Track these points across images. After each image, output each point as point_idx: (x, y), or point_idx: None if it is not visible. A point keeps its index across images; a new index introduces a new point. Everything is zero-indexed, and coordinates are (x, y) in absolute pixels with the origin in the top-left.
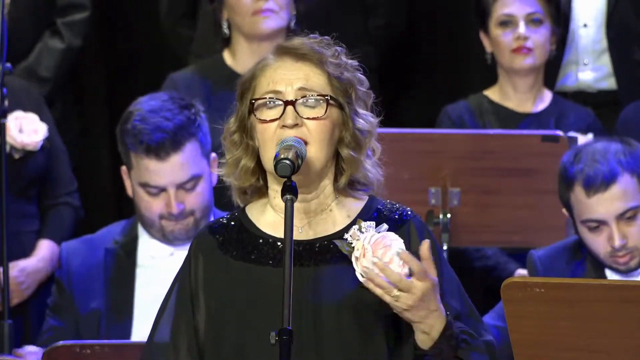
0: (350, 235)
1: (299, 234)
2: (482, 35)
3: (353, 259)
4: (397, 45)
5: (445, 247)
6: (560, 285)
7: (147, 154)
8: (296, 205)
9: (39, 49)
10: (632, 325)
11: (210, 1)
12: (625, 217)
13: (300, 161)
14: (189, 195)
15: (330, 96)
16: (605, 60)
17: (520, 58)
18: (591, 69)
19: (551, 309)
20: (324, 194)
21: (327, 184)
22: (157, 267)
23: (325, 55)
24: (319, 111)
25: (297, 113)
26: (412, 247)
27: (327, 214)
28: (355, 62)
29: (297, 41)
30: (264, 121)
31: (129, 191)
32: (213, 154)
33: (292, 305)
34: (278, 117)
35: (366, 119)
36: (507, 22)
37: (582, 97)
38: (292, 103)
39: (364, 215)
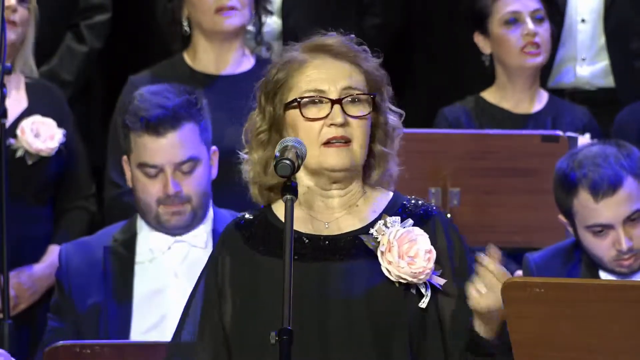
0: (376, 230)
1: (325, 229)
2: (477, 38)
3: (379, 254)
4: (393, 45)
5: None
6: (560, 286)
7: (146, 130)
8: (328, 201)
9: (61, 51)
10: (632, 325)
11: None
12: (632, 219)
13: (300, 161)
14: (186, 179)
15: (375, 95)
16: (604, 57)
17: (530, 57)
18: (589, 64)
19: (551, 309)
20: (353, 190)
21: (357, 180)
22: (156, 261)
23: (361, 54)
24: (364, 109)
25: (344, 111)
26: (437, 243)
27: (354, 209)
28: (378, 60)
29: (332, 39)
30: (310, 119)
31: (129, 182)
32: (214, 147)
33: (318, 300)
34: (324, 115)
35: (395, 115)
36: (513, 20)
37: (580, 94)
38: (340, 101)
39: (390, 210)
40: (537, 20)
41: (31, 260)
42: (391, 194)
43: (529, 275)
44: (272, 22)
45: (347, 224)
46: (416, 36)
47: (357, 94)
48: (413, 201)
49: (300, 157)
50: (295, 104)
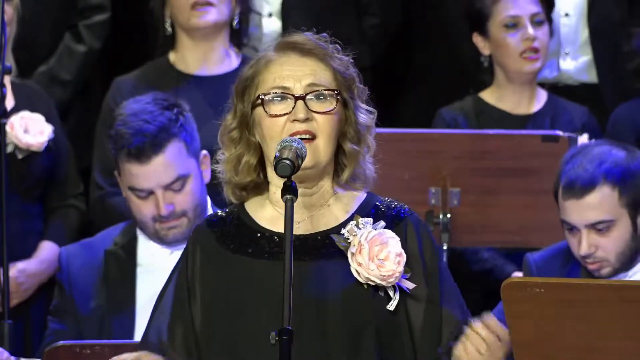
0: (348, 231)
1: (296, 228)
2: (476, 39)
3: (349, 255)
4: (391, 45)
5: (445, 247)
6: (560, 285)
7: (128, 159)
8: (298, 200)
9: (59, 51)
10: (632, 325)
11: None
12: (597, 228)
13: (300, 161)
14: (177, 196)
15: (339, 91)
16: (587, 51)
17: (529, 63)
18: (572, 58)
19: (551, 309)
20: (323, 189)
21: (327, 179)
22: (158, 265)
23: (329, 51)
24: (329, 105)
25: (307, 107)
26: (408, 245)
27: (325, 208)
28: (349, 58)
29: (301, 37)
30: (274, 116)
31: (124, 193)
32: (204, 152)
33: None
34: (288, 111)
35: (366, 114)
36: (513, 25)
37: (563, 89)
38: (303, 97)
39: (362, 211)
40: (537, 23)
41: (22, 256)
42: (365, 194)
43: (529, 274)
44: (272, 24)
45: (319, 223)
46: (415, 36)
47: (321, 90)
48: (386, 202)
49: (300, 156)
50: (259, 101)
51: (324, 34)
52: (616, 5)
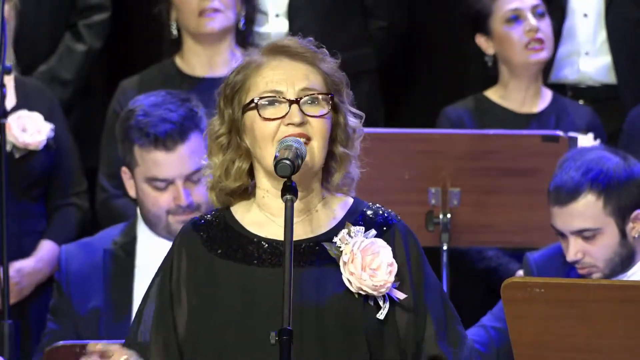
0: (340, 239)
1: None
2: (479, 39)
3: (341, 263)
4: (398, 46)
5: (445, 248)
6: (560, 285)
7: (155, 146)
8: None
9: (60, 51)
10: (632, 325)
11: (157, 2)
12: (583, 235)
13: (300, 161)
14: (195, 188)
15: (332, 95)
16: (606, 51)
17: (534, 53)
18: (592, 58)
19: (551, 309)
20: (313, 193)
21: (317, 183)
22: (156, 266)
23: (320, 55)
24: (322, 109)
25: (302, 111)
26: (396, 253)
27: (313, 214)
28: (338, 62)
29: (290, 41)
30: (268, 119)
31: (131, 192)
32: None
33: (275, 307)
34: (281, 115)
35: (355, 117)
36: (515, 17)
37: (582, 90)
38: (297, 102)
39: (350, 217)
40: (539, 15)
41: (19, 256)
42: (351, 200)
43: (529, 274)
44: (279, 24)
45: (306, 229)
46: (418, 37)
47: (315, 94)
48: (373, 209)
49: (300, 156)
50: (253, 105)
51: (310, 38)
52: (635, 5)
